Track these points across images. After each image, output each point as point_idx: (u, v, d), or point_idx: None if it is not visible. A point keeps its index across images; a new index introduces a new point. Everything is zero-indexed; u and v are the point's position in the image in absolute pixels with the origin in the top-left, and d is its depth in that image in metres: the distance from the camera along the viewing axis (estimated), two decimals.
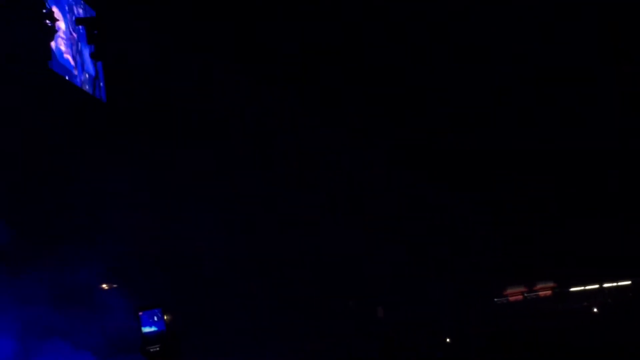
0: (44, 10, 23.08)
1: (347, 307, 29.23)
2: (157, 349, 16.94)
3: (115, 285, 21.50)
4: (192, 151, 27.90)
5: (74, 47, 25.36)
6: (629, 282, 29.60)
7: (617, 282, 29.47)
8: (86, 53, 25.66)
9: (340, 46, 30.25)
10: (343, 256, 28.60)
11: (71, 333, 19.15)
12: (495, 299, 28.90)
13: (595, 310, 29.12)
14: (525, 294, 28.94)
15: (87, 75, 25.86)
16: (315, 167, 30.26)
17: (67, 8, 24.97)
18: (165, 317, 16.99)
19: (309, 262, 28.21)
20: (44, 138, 22.06)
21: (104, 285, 22.23)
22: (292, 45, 30.03)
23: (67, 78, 24.74)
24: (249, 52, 29.06)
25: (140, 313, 16.98)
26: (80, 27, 25.49)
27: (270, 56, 29.66)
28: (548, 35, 30.00)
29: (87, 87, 25.97)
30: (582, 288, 29.23)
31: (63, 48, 24.77)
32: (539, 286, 29.23)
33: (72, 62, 25.19)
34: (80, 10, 25.65)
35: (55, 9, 23.39)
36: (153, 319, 17.16)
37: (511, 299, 28.97)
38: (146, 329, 17.17)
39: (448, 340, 27.30)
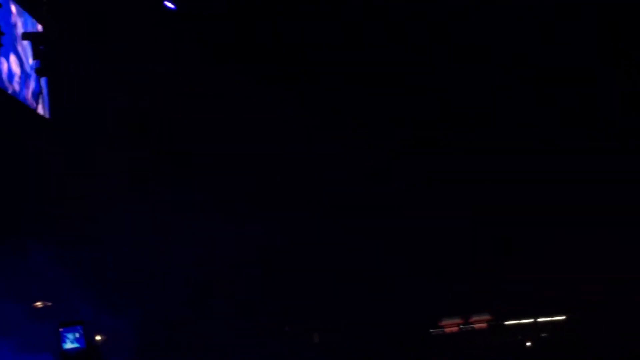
0: None
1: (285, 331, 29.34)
2: None
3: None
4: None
5: (19, 62, 25.35)
6: (563, 317, 29.87)
7: (552, 317, 29.74)
8: (31, 68, 25.65)
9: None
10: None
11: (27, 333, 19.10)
12: (431, 330, 29.02)
13: (528, 344, 29.38)
14: (461, 326, 29.10)
15: (31, 91, 25.83)
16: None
17: (12, 22, 24.98)
18: (86, 334, 16.91)
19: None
20: None
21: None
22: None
23: (9, 92, 24.73)
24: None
25: (61, 329, 16.84)
26: (25, 42, 25.49)
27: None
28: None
29: (30, 102, 25.94)
30: (517, 322, 29.44)
31: (7, 62, 24.76)
32: (474, 318, 29.40)
33: (16, 77, 25.18)
34: (27, 25, 25.66)
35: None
36: (74, 335, 17.03)
37: (447, 330, 29.11)
38: (66, 346, 17.03)
39: None
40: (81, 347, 17.10)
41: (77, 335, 17.04)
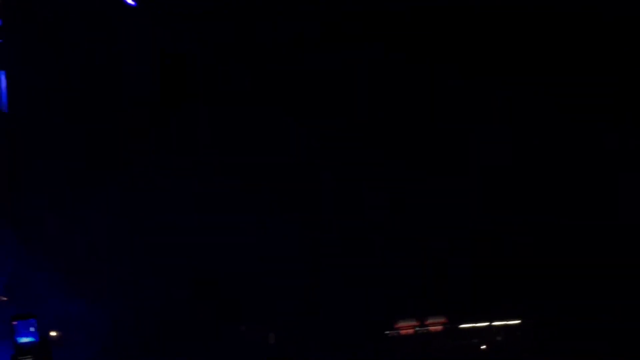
0: None
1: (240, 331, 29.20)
2: (29, 359, 16.61)
3: None
4: None
5: None
6: (518, 322, 30.04)
7: (506, 321, 29.89)
8: None
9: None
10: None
11: None
12: (387, 332, 29.03)
13: (483, 347, 29.50)
14: (417, 328, 29.14)
15: None
16: None
17: None
18: (38, 328, 16.70)
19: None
20: None
21: None
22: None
23: None
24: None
25: (15, 322, 16.62)
26: None
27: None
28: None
29: None
30: (472, 325, 29.55)
31: None
32: (430, 321, 29.46)
33: None
34: None
35: None
36: (28, 329, 16.84)
37: (402, 332, 29.14)
38: (21, 339, 16.82)
39: None
40: (35, 340, 16.88)
41: (32, 328, 16.83)
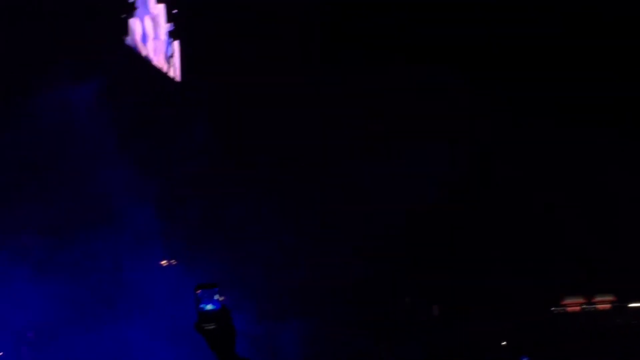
0: None
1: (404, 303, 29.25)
2: (213, 326, 16.98)
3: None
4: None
5: (152, 25, 25.72)
6: None
7: None
8: (163, 31, 25.99)
9: None
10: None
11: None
12: (553, 308, 28.63)
13: None
14: (584, 306, 28.65)
15: (162, 53, 26.19)
16: None
17: None
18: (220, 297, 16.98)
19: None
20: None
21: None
22: None
23: (143, 54, 25.16)
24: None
25: (199, 291, 17.00)
26: (159, 5, 25.85)
27: None
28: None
29: (162, 64, 26.32)
30: None
31: (141, 25, 25.16)
32: (598, 299, 28.91)
33: (149, 40, 25.58)
34: None
35: None
36: (212, 297, 17.20)
37: (569, 309, 28.71)
38: (204, 307, 17.21)
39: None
40: (217, 307, 17.26)
41: (216, 296, 17.20)
